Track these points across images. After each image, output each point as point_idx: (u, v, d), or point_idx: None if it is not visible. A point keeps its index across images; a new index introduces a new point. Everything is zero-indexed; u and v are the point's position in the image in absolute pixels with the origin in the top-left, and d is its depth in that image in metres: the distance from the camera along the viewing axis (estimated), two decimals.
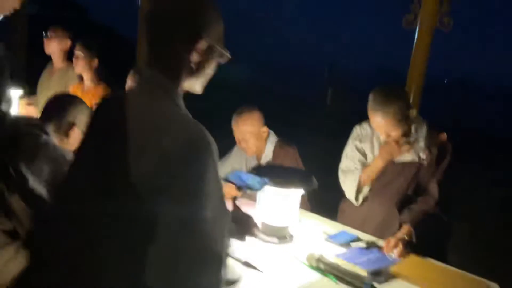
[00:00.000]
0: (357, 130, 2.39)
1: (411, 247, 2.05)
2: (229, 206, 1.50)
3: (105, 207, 1.06)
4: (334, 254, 1.87)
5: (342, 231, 2.17)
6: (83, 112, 1.96)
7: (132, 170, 1.03)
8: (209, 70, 1.20)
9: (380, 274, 1.77)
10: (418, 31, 3.32)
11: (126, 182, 1.03)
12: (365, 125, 2.37)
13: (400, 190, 2.24)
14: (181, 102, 1.16)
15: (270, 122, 2.61)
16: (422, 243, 2.07)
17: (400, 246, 1.98)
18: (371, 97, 2.16)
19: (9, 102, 1.76)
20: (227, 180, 1.58)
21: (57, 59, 3.64)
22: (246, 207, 2.15)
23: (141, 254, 1.01)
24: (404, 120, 2.14)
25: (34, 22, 5.08)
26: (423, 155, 2.22)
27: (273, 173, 1.97)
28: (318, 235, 2.12)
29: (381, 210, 2.27)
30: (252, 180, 1.57)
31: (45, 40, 3.59)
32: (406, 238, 2.05)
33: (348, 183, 2.35)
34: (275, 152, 2.63)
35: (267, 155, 2.63)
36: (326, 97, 14.38)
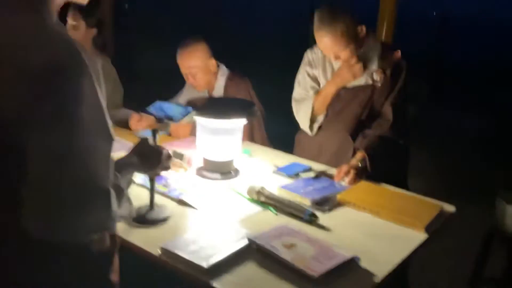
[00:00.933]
0: (308, 55, 2.22)
1: (366, 174, 1.95)
2: (150, 139, 1.38)
3: None
4: (279, 186, 1.77)
5: (294, 162, 2.05)
6: None
7: None
8: None
9: (325, 203, 1.67)
10: None
11: None
12: (316, 49, 2.20)
13: (354, 116, 2.10)
14: (52, 16, 0.98)
15: None
16: (378, 170, 1.97)
17: (352, 173, 1.87)
18: (316, 16, 1.97)
19: None
20: (148, 112, 1.43)
21: None
22: (187, 143, 2.03)
23: (13, 193, 0.88)
24: (353, 38, 1.96)
25: None
26: (376, 77, 2.07)
27: (212, 104, 1.82)
28: (268, 168, 2.01)
29: (336, 138, 2.14)
30: (174, 110, 1.43)
31: None
32: (360, 164, 1.94)
33: (302, 113, 2.21)
34: (226, 86, 2.47)
35: (218, 89, 2.47)
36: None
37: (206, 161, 1.87)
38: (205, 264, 1.21)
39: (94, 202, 0.91)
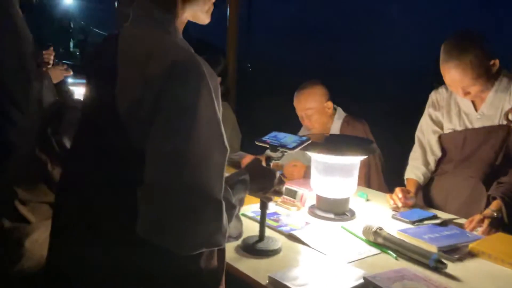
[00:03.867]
0: (432, 96, 2.08)
1: (503, 226, 1.71)
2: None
3: (93, 142, 0.98)
4: (398, 229, 1.61)
5: (416, 209, 1.87)
6: None
7: (116, 103, 0.93)
8: None
9: (453, 251, 1.47)
10: None
11: (110, 115, 0.93)
12: (441, 89, 2.05)
13: (486, 161, 1.88)
14: (178, 33, 1.03)
15: None
16: None
17: (486, 222, 1.65)
18: (443, 47, 1.84)
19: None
20: (262, 140, 1.42)
21: None
22: (301, 183, 1.97)
23: (127, 192, 0.90)
24: (484, 72, 1.79)
25: None
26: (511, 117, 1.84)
27: (329, 140, 1.76)
28: (386, 213, 1.85)
29: (465, 185, 1.92)
30: (288, 138, 1.39)
31: None
32: (495, 214, 1.71)
33: (410, 160, 2.07)
34: (342, 129, 2.41)
35: (334, 132, 2.41)
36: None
37: (319, 199, 1.79)
38: None
39: (205, 210, 0.88)
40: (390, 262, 1.40)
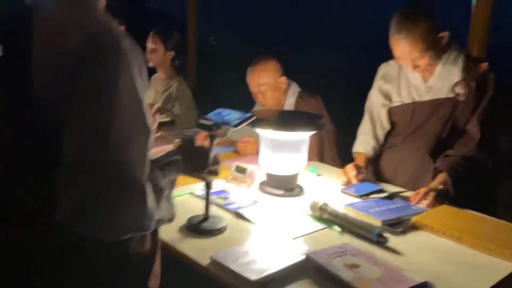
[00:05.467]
0: (382, 69, 2.08)
1: (448, 198, 1.74)
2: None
3: (8, 123, 0.92)
4: (345, 204, 1.62)
5: (365, 182, 1.89)
6: None
7: (31, 81, 0.87)
8: None
9: (397, 225, 1.49)
10: None
11: (26, 94, 0.87)
12: (392, 62, 2.05)
13: (434, 134, 1.90)
14: (97, 4, 0.96)
15: None
16: (463, 194, 1.75)
17: (431, 195, 1.68)
18: (394, 19, 1.83)
19: None
20: (206, 118, 1.38)
21: None
22: (252, 160, 1.96)
23: (48, 180, 0.85)
24: (433, 45, 1.79)
25: None
26: (459, 90, 1.87)
27: (277, 117, 1.74)
28: (336, 187, 1.87)
29: (414, 158, 1.94)
30: (231, 115, 1.36)
31: None
32: (441, 187, 1.74)
33: (359, 133, 2.10)
34: (296, 104, 2.39)
35: (288, 108, 2.40)
36: None
37: (269, 176, 1.78)
38: (253, 277, 1.10)
39: (128, 195, 0.84)
40: (335, 237, 1.41)
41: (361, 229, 1.40)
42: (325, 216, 1.50)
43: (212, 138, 1.34)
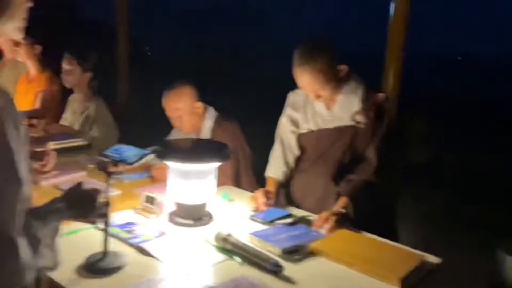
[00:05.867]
0: (290, 97, 2.18)
1: (350, 221, 1.85)
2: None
3: None
4: (249, 232, 1.67)
5: (274, 208, 1.96)
6: None
7: None
8: (19, 12, 1.02)
9: (296, 252, 1.56)
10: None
11: None
12: (299, 91, 2.15)
13: (336, 159, 2.01)
14: None
15: None
16: (363, 217, 1.86)
17: (332, 219, 1.77)
18: (295, 53, 1.93)
19: None
20: (105, 155, 1.39)
21: (7, 50, 3.45)
22: (162, 187, 1.97)
23: None
24: (333, 77, 1.91)
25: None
26: (359, 118, 1.99)
27: (182, 147, 1.77)
28: (246, 214, 1.92)
29: (319, 183, 2.04)
30: (129, 152, 1.37)
31: None
32: (342, 211, 1.85)
33: (271, 159, 2.18)
34: (213, 129, 2.43)
35: (205, 133, 2.44)
36: None
37: (177, 206, 1.80)
38: None
39: None
40: (236, 269, 1.46)
41: (259, 259, 1.45)
42: (228, 246, 1.54)
43: (108, 175, 1.35)
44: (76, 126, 3.02)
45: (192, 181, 1.76)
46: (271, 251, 1.55)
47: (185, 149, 1.84)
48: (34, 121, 3.08)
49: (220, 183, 2.28)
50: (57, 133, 2.88)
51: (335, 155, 2.02)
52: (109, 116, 3.01)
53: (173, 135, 2.56)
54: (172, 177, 1.79)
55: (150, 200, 1.82)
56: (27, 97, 3.34)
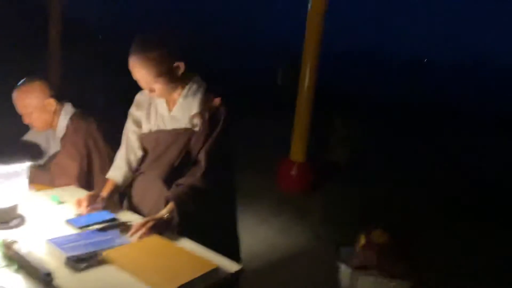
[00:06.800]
0: (137, 97, 2.11)
1: (175, 226, 1.81)
2: None
3: None
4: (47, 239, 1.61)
5: (100, 212, 1.90)
6: None
7: None
8: None
9: (86, 260, 1.51)
10: None
11: None
12: (146, 90, 2.09)
13: (169, 162, 1.97)
14: None
15: None
16: (189, 222, 1.84)
17: (148, 225, 1.73)
18: (133, 42, 1.86)
19: None
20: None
21: None
22: None
23: None
24: (166, 72, 1.85)
25: None
26: (196, 121, 1.95)
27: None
28: (67, 217, 1.85)
29: (155, 186, 1.99)
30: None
31: None
32: (166, 216, 1.81)
33: (115, 157, 2.12)
34: (68, 126, 2.35)
35: (60, 130, 2.35)
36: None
37: None
38: None
39: None
40: (12, 277, 1.40)
41: (32, 269, 1.40)
42: (11, 253, 1.48)
43: None
44: None
45: None
46: (59, 258, 1.50)
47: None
48: None
49: (62, 183, 2.22)
50: None
51: (170, 158, 1.97)
52: None
53: (31, 132, 2.47)
54: None
55: None
56: None
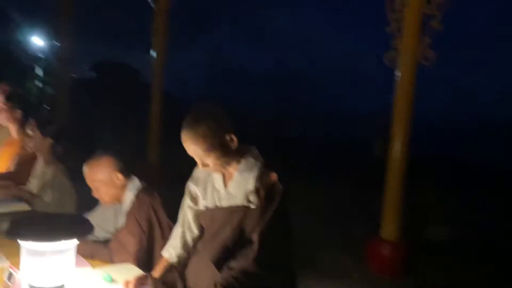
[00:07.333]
0: (195, 171, 2.05)
1: None
2: None
3: None
4: None
5: None
6: None
7: None
8: None
9: None
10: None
11: None
12: None
13: (223, 242, 1.82)
14: None
15: None
16: None
17: None
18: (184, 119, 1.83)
19: None
20: None
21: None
22: None
23: None
24: (218, 145, 1.76)
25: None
26: (252, 198, 1.81)
27: (32, 222, 1.69)
28: None
29: (208, 268, 1.85)
30: None
31: None
32: None
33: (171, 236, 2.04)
34: (133, 202, 2.34)
35: (126, 205, 2.35)
36: None
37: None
38: None
39: None
40: None
41: None
42: None
43: None
44: (35, 191, 3.07)
45: (45, 259, 1.66)
46: None
47: (36, 226, 1.75)
48: (2, 183, 3.21)
49: (120, 260, 2.17)
50: (8, 196, 2.95)
51: (223, 238, 1.83)
52: (66, 182, 3.03)
53: (100, 207, 2.51)
54: (24, 255, 1.69)
55: (9, 276, 1.73)
56: (4, 159, 3.49)
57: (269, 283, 1.73)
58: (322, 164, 10.38)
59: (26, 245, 1.66)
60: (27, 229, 1.67)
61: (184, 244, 1.99)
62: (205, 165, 1.82)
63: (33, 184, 3.15)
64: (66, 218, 1.96)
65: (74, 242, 1.70)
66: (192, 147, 1.77)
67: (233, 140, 1.80)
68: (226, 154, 1.80)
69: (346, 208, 6.81)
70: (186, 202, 2.00)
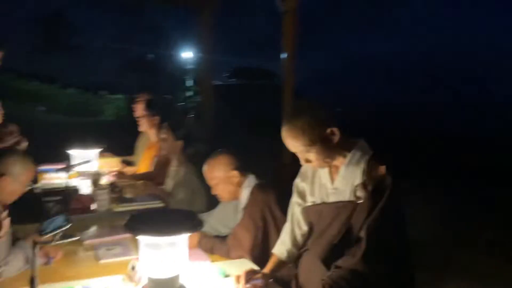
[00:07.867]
0: (303, 166, 1.99)
1: None
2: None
3: None
4: None
5: None
6: (16, 163, 2.15)
7: None
8: None
9: None
10: None
11: None
12: None
13: (330, 238, 1.74)
14: None
15: None
16: None
17: None
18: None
19: None
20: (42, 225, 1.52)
21: (142, 122, 3.97)
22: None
23: None
24: (318, 139, 1.69)
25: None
26: (360, 193, 1.70)
27: (146, 217, 1.80)
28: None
29: (317, 266, 1.78)
30: (55, 223, 1.48)
31: (134, 105, 3.96)
32: None
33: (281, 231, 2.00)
34: (249, 198, 2.38)
35: (242, 201, 2.39)
36: None
37: (149, 280, 1.81)
38: None
39: None
40: None
41: None
42: None
43: (35, 244, 1.47)
44: (170, 190, 3.32)
45: (160, 251, 1.76)
46: None
47: (151, 222, 1.85)
48: (140, 183, 3.56)
49: (236, 256, 2.20)
50: (146, 194, 3.23)
51: (330, 234, 1.75)
52: (196, 182, 3.21)
53: (221, 205, 2.60)
54: (142, 249, 1.81)
55: (133, 267, 1.87)
56: (145, 161, 3.85)
57: (378, 282, 1.60)
58: None
59: (143, 239, 1.78)
60: (143, 224, 1.79)
61: (294, 241, 1.95)
62: (307, 161, 1.75)
63: (168, 184, 3.40)
64: (178, 214, 2.06)
65: (185, 236, 1.77)
66: (292, 143, 1.72)
67: (335, 134, 1.71)
68: (329, 148, 1.71)
69: None
70: (294, 198, 1.96)
